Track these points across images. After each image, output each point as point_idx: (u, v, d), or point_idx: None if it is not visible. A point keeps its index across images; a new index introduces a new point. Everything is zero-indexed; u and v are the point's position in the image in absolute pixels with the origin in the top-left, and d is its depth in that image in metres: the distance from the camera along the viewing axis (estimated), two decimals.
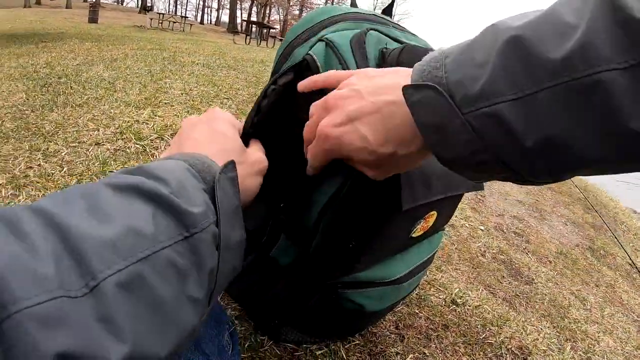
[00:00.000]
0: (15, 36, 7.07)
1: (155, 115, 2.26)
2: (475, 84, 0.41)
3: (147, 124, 2.13)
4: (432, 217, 0.77)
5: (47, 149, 1.71)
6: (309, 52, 0.65)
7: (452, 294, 1.41)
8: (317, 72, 0.64)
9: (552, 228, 2.59)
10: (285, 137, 0.68)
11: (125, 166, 1.63)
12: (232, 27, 25.96)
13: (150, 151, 1.82)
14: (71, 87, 2.84)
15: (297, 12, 56.01)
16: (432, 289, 1.41)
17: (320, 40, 0.66)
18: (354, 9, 0.75)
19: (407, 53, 0.62)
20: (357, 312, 0.83)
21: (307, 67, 0.65)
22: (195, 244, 0.38)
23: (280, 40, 15.06)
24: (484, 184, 0.84)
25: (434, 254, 0.98)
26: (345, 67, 0.62)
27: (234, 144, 0.60)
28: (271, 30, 15.98)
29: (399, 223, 0.72)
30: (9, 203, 1.29)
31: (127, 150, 1.79)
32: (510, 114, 0.39)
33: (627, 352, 1.63)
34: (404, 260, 0.85)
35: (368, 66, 0.63)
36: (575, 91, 0.35)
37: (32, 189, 1.39)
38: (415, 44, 0.67)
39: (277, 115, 0.68)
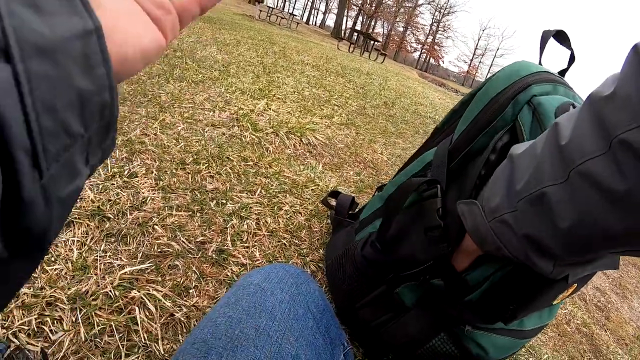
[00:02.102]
0: None
1: (270, 109, 2.21)
2: (492, 203, 0.63)
3: (262, 115, 2.07)
4: (572, 288, 0.79)
5: (164, 120, 1.67)
6: (517, 118, 0.74)
7: (541, 359, 1.35)
8: (522, 138, 0.73)
9: (632, 309, 2.42)
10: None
11: (241, 155, 1.56)
12: (336, 33, 26.27)
13: (265, 145, 1.75)
14: (186, 62, 2.85)
15: (401, 29, 56.27)
16: (522, 349, 1.33)
17: (527, 103, 0.74)
18: (545, 68, 0.80)
19: None
20: (477, 358, 0.83)
21: (515, 134, 0.75)
22: None
23: (383, 54, 15.03)
24: None
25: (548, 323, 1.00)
26: None
27: None
28: (375, 42, 15.91)
29: (555, 290, 0.74)
30: (122, 166, 1.23)
31: (243, 138, 1.73)
32: (510, 221, 0.59)
33: None
34: (532, 318, 0.85)
35: None
36: (530, 202, 0.56)
37: (147, 158, 1.33)
38: None
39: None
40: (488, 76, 0.85)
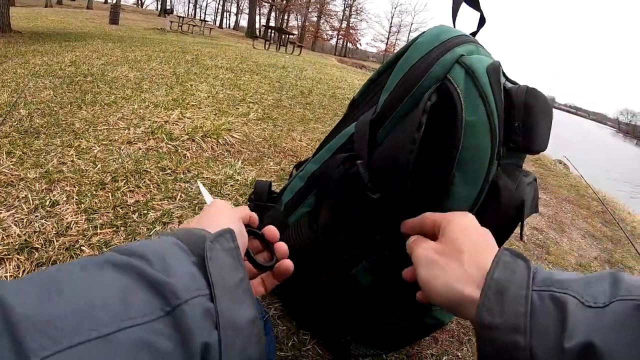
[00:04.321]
0: (37, 34, 7.14)
1: (184, 117, 2.27)
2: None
3: (177, 124, 2.13)
4: None
5: (79, 145, 1.71)
6: (448, 76, 0.68)
7: None
8: (459, 99, 0.66)
9: (571, 241, 2.56)
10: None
11: (159, 165, 1.62)
12: (250, 32, 26.16)
13: (182, 152, 1.82)
14: (98, 86, 2.85)
15: (314, 19, 56.41)
16: None
17: (457, 62, 0.68)
18: (463, 32, 0.76)
19: (532, 98, 0.70)
20: (435, 327, 0.90)
21: (447, 92, 0.68)
22: (179, 319, 0.33)
23: (300, 46, 15.08)
24: None
25: None
26: (485, 102, 0.66)
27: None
28: (290, 36, 15.93)
29: None
30: (43, 197, 1.28)
31: (159, 150, 1.79)
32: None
33: None
34: None
35: (503, 102, 0.68)
36: None
37: (66, 184, 1.38)
38: (533, 87, 0.73)
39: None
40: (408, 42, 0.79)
